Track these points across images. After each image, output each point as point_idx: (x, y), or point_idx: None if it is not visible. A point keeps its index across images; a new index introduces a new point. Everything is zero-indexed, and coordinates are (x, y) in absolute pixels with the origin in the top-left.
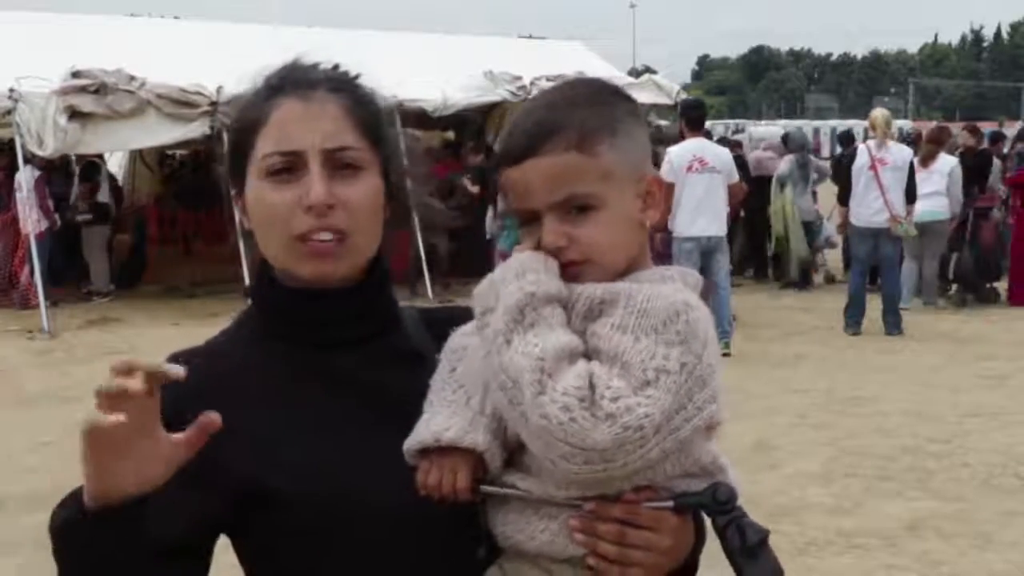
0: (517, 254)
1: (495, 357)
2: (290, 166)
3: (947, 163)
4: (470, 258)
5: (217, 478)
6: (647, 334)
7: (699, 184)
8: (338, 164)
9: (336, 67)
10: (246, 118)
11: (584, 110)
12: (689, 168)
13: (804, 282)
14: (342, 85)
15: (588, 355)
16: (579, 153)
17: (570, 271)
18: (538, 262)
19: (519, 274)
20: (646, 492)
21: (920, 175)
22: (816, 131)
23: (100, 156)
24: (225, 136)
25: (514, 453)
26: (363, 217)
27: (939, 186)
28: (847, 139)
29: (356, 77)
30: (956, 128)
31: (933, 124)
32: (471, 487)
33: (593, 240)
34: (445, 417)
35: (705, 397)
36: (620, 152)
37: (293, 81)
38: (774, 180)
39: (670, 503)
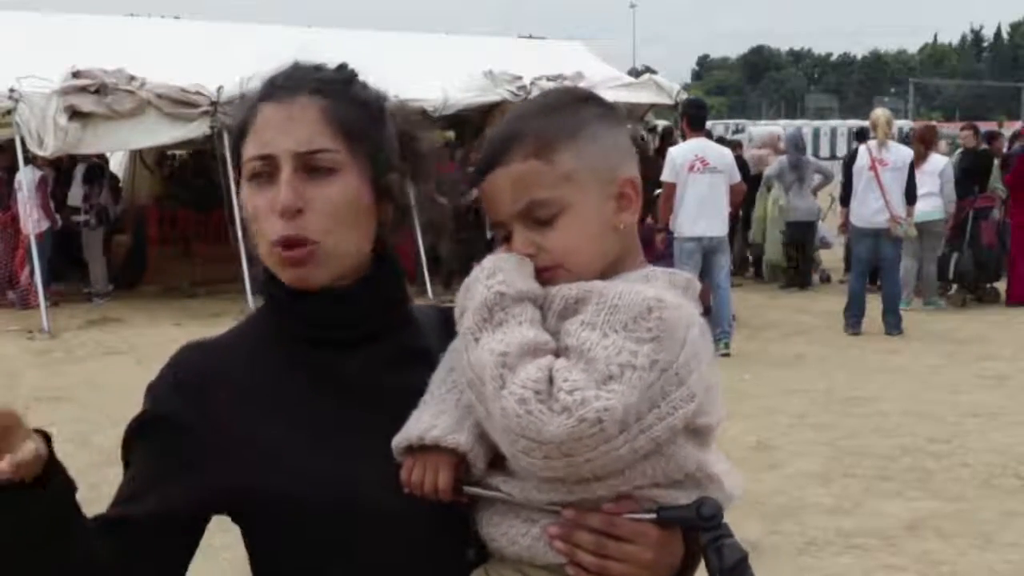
0: (491, 255)
1: (464, 355)
2: (267, 170)
3: (937, 163)
4: (471, 257)
5: (210, 474)
6: (615, 330)
7: (701, 184)
8: (312, 167)
9: (342, 66)
10: (237, 123)
11: (543, 118)
12: (691, 168)
13: (803, 282)
14: (323, 87)
15: (559, 353)
16: (536, 160)
17: (544, 277)
18: (510, 262)
19: (490, 274)
20: (628, 503)
21: None
22: (816, 131)
23: (101, 157)
24: (227, 137)
25: (499, 455)
26: (337, 219)
27: (932, 187)
28: (863, 137)
29: (346, 78)
30: (954, 128)
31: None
32: (453, 487)
33: (560, 246)
34: (432, 416)
35: (682, 396)
36: (583, 157)
37: (277, 86)
38: (762, 182)
39: (653, 515)
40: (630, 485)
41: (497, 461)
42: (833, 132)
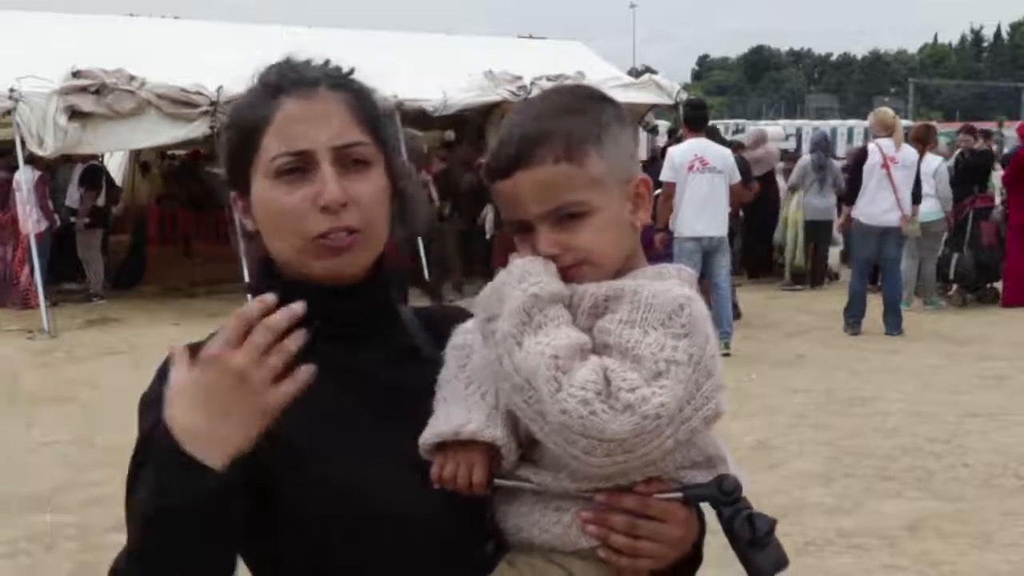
0: (515, 260)
1: (507, 359)
2: (300, 166)
3: (931, 163)
4: (471, 257)
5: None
6: (655, 328)
7: (701, 184)
8: (348, 160)
9: (327, 63)
10: (248, 119)
11: (569, 119)
12: (690, 168)
13: (816, 280)
14: (341, 82)
15: (596, 351)
16: (567, 163)
17: (567, 275)
18: (537, 265)
19: (521, 278)
20: (656, 484)
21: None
22: (815, 131)
23: (96, 157)
24: (223, 137)
25: (526, 447)
26: (375, 212)
27: (928, 188)
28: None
29: (351, 73)
30: (955, 127)
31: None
32: (486, 481)
33: (586, 246)
34: (463, 411)
35: (711, 386)
36: (607, 158)
37: (292, 80)
38: (787, 187)
39: (679, 495)
40: (661, 471)
41: (525, 453)
42: (833, 132)
